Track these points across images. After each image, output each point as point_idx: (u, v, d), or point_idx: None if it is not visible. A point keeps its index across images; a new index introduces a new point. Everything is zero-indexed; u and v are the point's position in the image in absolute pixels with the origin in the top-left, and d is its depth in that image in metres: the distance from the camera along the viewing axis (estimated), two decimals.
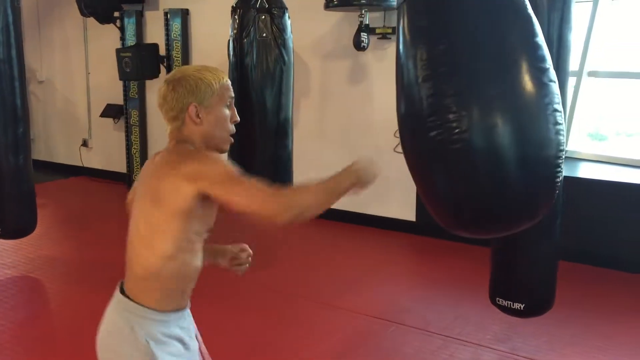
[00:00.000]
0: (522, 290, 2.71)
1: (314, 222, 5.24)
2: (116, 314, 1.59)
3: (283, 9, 3.53)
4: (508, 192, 1.79)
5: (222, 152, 1.65)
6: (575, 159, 4.58)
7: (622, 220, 4.00)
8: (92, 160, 6.81)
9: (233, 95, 1.65)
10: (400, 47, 1.93)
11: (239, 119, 1.66)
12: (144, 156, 6.31)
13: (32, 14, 6.74)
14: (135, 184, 1.74)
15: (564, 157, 1.85)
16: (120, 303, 1.59)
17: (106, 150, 6.69)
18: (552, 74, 1.86)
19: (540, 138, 1.76)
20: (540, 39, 1.85)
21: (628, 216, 3.98)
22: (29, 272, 3.98)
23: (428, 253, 4.49)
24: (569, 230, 3.84)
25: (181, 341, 1.60)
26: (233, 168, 1.49)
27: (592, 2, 4.46)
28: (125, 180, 6.36)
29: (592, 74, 4.55)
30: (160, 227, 1.52)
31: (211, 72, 1.62)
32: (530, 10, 1.85)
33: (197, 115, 1.57)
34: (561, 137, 1.79)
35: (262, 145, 3.58)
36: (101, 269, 3.98)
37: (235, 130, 1.66)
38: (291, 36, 3.61)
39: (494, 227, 1.95)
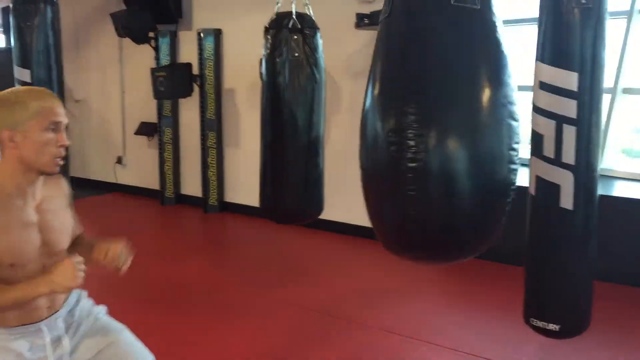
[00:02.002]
0: (557, 311, 2.66)
1: (341, 237, 5.24)
2: None
3: (315, 28, 3.57)
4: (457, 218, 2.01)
5: (49, 174, 1.65)
6: (610, 177, 4.51)
7: None
8: (126, 177, 6.94)
9: (60, 119, 1.62)
10: (373, 62, 2.13)
11: (67, 142, 1.63)
12: (176, 173, 6.41)
13: (71, 35, 6.94)
14: None
15: (511, 196, 2.12)
16: None
17: (140, 167, 6.81)
18: (516, 111, 2.11)
19: (492, 176, 2.05)
20: (511, 76, 2.09)
21: None
22: None
23: (460, 272, 4.44)
24: (605, 250, 3.77)
25: (20, 355, 1.64)
26: None
27: (626, 18, 4.41)
28: (158, 196, 6.47)
29: (626, 90, 4.49)
30: None
31: (34, 95, 1.60)
32: (504, 48, 2.07)
33: (12, 140, 1.57)
34: (513, 177, 2.08)
35: (294, 164, 3.60)
36: (134, 283, 4.03)
37: (63, 153, 1.63)
38: (322, 55, 3.65)
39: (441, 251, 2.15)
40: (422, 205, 1.98)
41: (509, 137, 2.27)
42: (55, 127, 1.60)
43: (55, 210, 1.71)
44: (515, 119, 2.27)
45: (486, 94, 2.17)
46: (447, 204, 2.00)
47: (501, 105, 2.17)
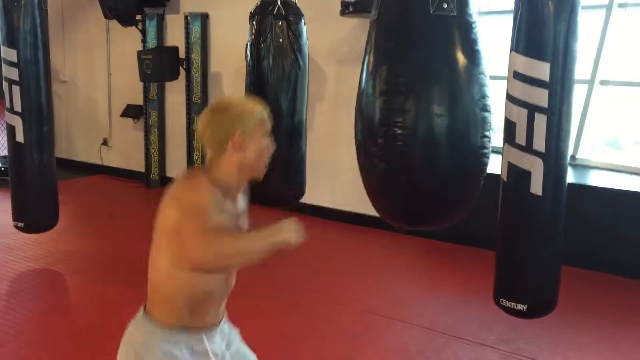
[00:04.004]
0: (525, 291, 2.78)
1: (321, 223, 5.35)
2: (130, 326, 1.67)
3: (299, 15, 3.64)
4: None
5: (257, 180, 1.68)
6: (585, 167, 4.63)
7: (629, 227, 4.04)
8: (112, 159, 6.97)
9: (270, 128, 1.67)
10: (366, 61, 2.37)
11: (273, 149, 1.68)
12: (162, 156, 6.46)
13: (57, 15, 6.92)
14: None
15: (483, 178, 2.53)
16: (136, 315, 1.67)
17: (125, 149, 6.85)
18: (489, 104, 2.46)
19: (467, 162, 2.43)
20: (485, 74, 2.44)
21: (635, 224, 4.02)
22: (50, 265, 4.12)
23: (435, 255, 4.56)
24: (577, 236, 3.90)
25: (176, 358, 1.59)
26: (206, 217, 1.51)
27: (605, 10, 4.51)
28: (143, 179, 6.51)
29: (604, 82, 4.59)
30: (160, 244, 1.59)
31: (254, 103, 1.65)
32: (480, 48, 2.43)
33: (241, 143, 1.58)
34: (485, 160, 2.47)
35: (277, 147, 3.68)
36: (119, 263, 4.11)
37: (269, 162, 1.69)
38: (307, 42, 3.72)
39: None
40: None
41: (482, 127, 2.44)
42: (269, 134, 1.65)
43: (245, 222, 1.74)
44: (487, 111, 2.47)
45: (462, 90, 2.40)
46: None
47: (475, 100, 2.39)
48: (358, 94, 2.59)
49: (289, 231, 1.56)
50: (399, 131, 2.33)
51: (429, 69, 2.33)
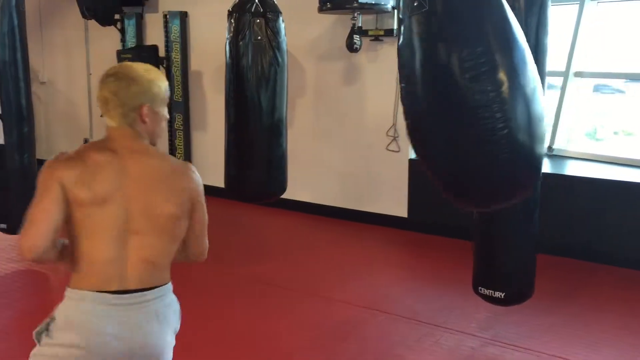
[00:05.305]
0: (502, 279, 2.86)
1: (303, 216, 5.36)
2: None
3: (277, 12, 3.68)
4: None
5: (154, 145, 1.75)
6: (562, 157, 4.73)
7: (603, 215, 4.14)
8: None
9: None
10: (426, 52, 2.13)
11: (168, 116, 1.78)
12: None
13: (35, 16, 6.88)
14: None
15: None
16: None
17: None
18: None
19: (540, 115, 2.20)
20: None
21: (609, 212, 4.12)
22: (33, 265, 4.12)
23: (418, 247, 4.64)
24: (554, 225, 3.99)
25: None
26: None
27: (578, 4, 4.60)
28: None
29: (578, 74, 4.69)
30: (166, 228, 1.79)
31: (159, 74, 1.71)
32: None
33: (147, 116, 1.65)
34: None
35: (257, 144, 3.73)
36: None
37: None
38: (285, 39, 3.75)
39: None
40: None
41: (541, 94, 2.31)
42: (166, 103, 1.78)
43: None
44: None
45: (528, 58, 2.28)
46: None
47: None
48: (413, 89, 2.24)
49: None
50: (499, 114, 2.11)
51: (499, 45, 2.14)
